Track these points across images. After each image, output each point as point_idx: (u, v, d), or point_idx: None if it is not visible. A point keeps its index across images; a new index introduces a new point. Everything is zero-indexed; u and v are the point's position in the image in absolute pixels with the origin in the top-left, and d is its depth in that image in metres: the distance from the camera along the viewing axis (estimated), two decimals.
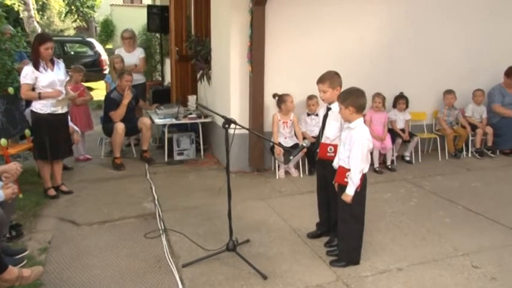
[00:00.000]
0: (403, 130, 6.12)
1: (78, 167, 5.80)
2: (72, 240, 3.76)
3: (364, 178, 3.19)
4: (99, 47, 14.31)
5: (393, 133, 6.01)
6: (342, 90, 3.29)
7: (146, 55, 7.80)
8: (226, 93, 5.57)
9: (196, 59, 6.66)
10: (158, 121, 6.07)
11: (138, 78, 6.73)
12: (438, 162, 6.23)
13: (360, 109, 3.14)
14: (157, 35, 9.84)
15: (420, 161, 6.21)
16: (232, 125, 3.20)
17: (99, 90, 11.54)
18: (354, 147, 3.10)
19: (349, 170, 3.15)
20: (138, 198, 4.68)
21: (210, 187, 4.97)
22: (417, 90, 6.32)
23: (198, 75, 6.83)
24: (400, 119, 6.15)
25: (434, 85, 6.45)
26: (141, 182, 5.23)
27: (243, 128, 3.53)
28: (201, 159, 6.16)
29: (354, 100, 3.11)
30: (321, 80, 3.45)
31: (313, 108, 5.52)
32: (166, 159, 6.02)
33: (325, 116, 3.52)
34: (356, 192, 3.15)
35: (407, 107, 6.14)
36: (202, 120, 6.16)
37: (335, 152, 3.40)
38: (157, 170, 5.67)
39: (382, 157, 5.91)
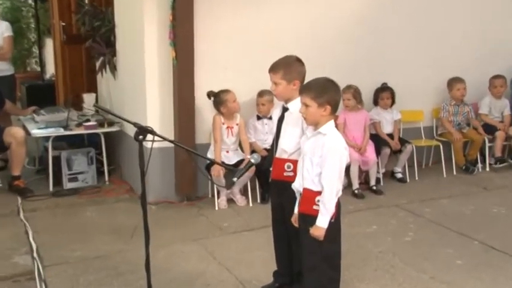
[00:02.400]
0: (391, 136, 6.37)
1: None
2: None
3: (337, 205, 3.31)
4: None
5: (377, 140, 6.23)
6: (308, 81, 3.35)
7: (14, 33, 7.69)
8: (140, 90, 5.64)
9: (93, 40, 6.67)
10: (37, 132, 6.01)
11: (2, 68, 6.70)
12: (442, 179, 6.56)
13: (336, 108, 3.30)
14: (31, 1, 9.72)
15: (417, 178, 6.51)
16: (150, 136, 3.27)
17: None
18: (329, 160, 3.18)
19: (318, 193, 3.22)
20: (6, 250, 4.59)
21: (120, 227, 4.99)
22: (410, 79, 6.59)
23: (98, 65, 6.85)
24: (387, 120, 6.40)
25: (434, 72, 6.74)
26: (10, 224, 5.15)
27: (166, 139, 3.59)
28: (105, 186, 6.18)
29: (332, 96, 3.24)
30: (272, 68, 3.58)
31: (265, 108, 5.71)
32: (51, 188, 5.98)
33: (281, 120, 3.66)
34: (330, 223, 3.21)
35: (393, 102, 6.38)
36: (106, 129, 6.18)
37: (295, 170, 3.50)
38: (37, 206, 5.60)
39: (364, 175, 6.14)
